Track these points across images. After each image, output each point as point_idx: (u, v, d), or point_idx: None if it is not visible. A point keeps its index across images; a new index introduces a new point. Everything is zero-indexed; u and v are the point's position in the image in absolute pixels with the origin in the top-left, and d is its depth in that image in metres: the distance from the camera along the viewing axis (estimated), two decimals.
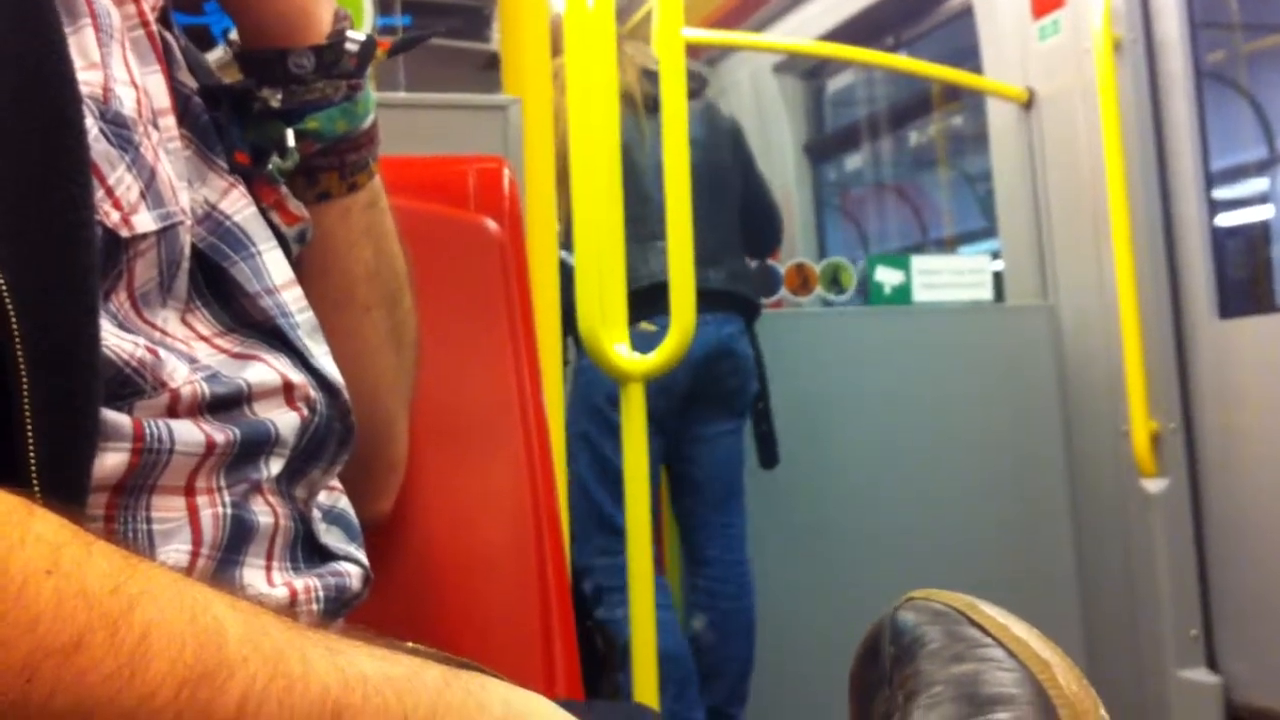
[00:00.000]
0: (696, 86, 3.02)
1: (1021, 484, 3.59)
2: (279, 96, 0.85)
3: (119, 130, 0.68)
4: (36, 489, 0.56)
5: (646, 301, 2.55)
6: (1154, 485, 3.35)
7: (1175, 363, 3.42)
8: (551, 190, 1.66)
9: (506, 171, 1.24)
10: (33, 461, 0.56)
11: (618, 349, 2.18)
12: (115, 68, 0.70)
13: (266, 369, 0.76)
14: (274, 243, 0.81)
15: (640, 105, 2.96)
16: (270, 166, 0.86)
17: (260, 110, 0.85)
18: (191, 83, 0.82)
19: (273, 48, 0.85)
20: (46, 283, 0.58)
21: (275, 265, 0.80)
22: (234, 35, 0.89)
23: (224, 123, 0.85)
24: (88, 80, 0.66)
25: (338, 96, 0.86)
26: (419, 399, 0.99)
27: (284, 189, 0.86)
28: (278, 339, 0.79)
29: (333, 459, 0.82)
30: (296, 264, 0.86)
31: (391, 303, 0.94)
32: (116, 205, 0.66)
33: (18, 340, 0.56)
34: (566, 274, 2.03)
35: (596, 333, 2.14)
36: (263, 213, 0.84)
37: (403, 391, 0.96)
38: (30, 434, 0.56)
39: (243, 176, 0.84)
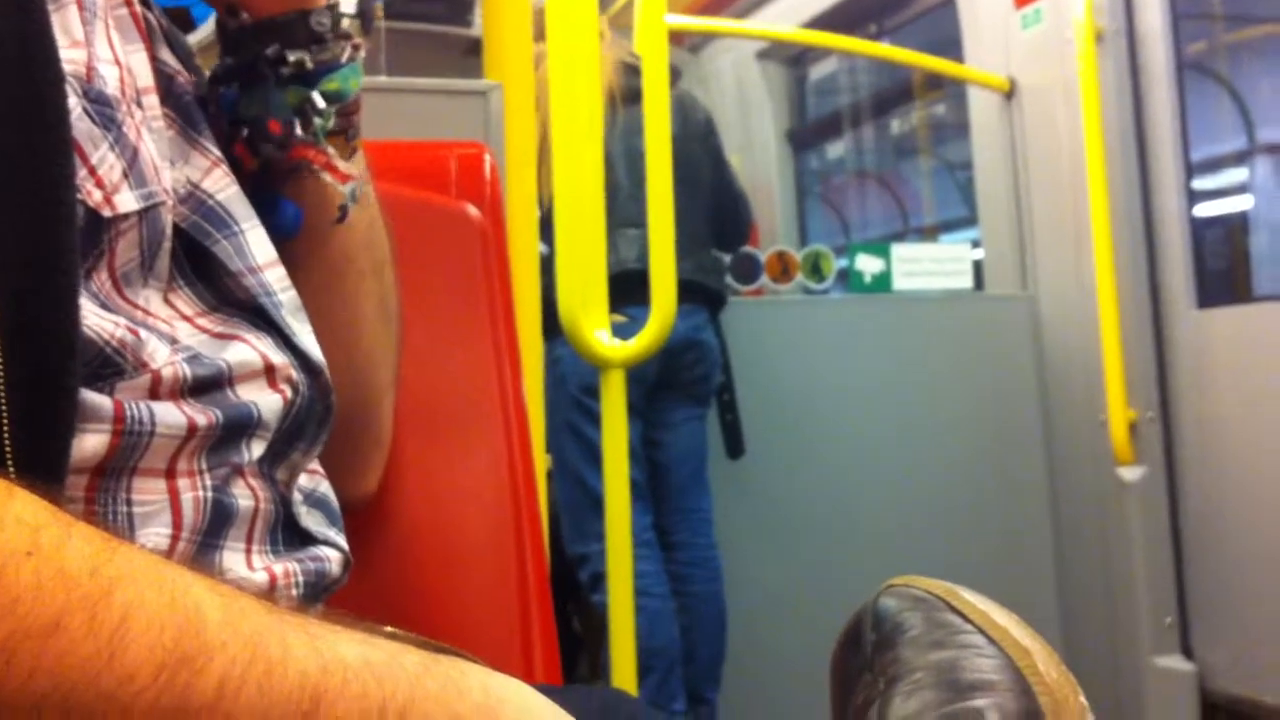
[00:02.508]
0: (671, 77, 3.03)
1: (1000, 472, 3.60)
2: (308, 57, 0.85)
3: (102, 109, 0.67)
4: (11, 469, 0.56)
5: (616, 290, 2.55)
6: (1131, 474, 3.37)
7: (1153, 352, 3.43)
8: (533, 176, 1.66)
9: (488, 157, 1.23)
10: (7, 441, 0.56)
11: (598, 335, 2.18)
12: (99, 46, 0.70)
13: (248, 349, 0.75)
14: (256, 221, 0.81)
15: (616, 97, 2.97)
16: (315, 127, 0.86)
17: (289, 75, 0.85)
18: (174, 62, 0.82)
19: (294, 10, 0.85)
20: (25, 260, 0.57)
21: (258, 244, 0.80)
22: (217, 18, 0.89)
23: (239, 99, 0.85)
24: (71, 59, 0.65)
25: (345, 57, 0.87)
26: (399, 384, 0.99)
27: (331, 149, 0.87)
28: (260, 318, 0.78)
29: (313, 440, 0.82)
30: (301, 232, 0.86)
31: (381, 272, 0.94)
32: (99, 184, 0.66)
33: None
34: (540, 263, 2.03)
35: (577, 319, 2.14)
36: (314, 174, 0.86)
37: (390, 364, 0.97)
38: (4, 412, 0.56)
39: (281, 145, 0.85)
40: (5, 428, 0.56)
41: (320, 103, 0.86)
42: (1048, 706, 0.51)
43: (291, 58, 0.85)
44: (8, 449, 0.56)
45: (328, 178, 0.87)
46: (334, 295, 0.90)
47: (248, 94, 0.86)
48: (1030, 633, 0.54)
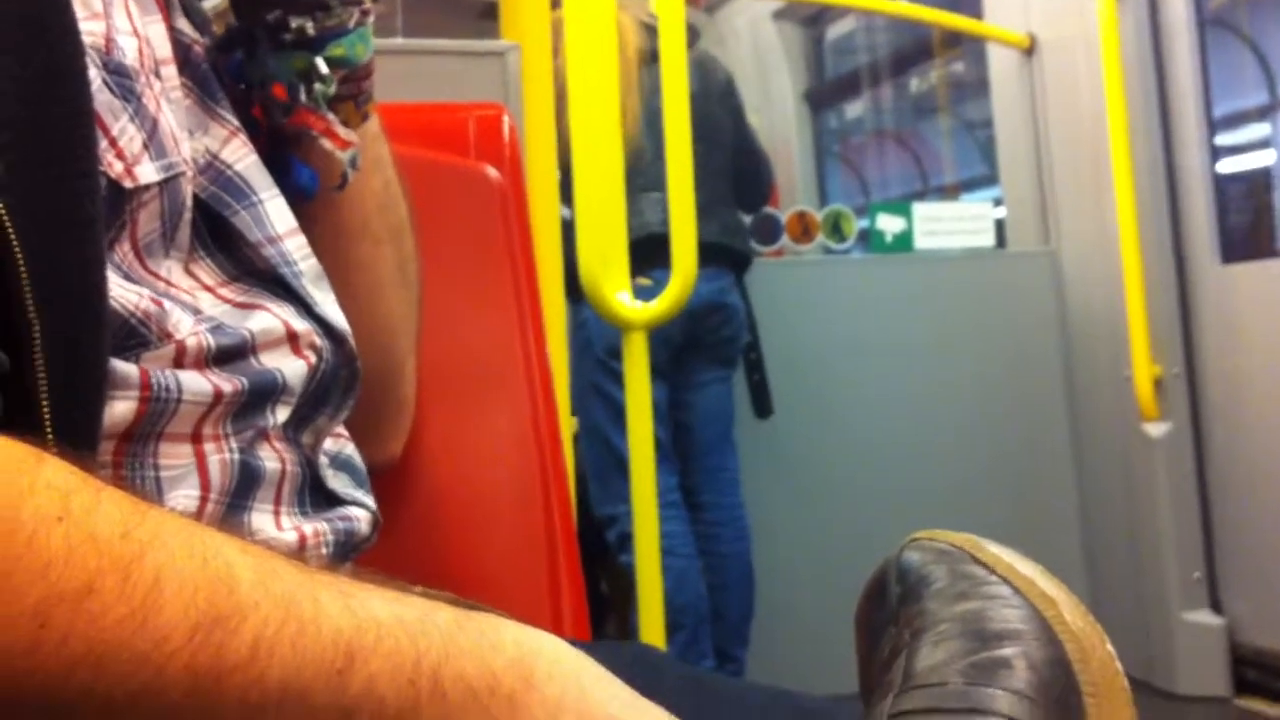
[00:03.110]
0: (689, 38, 3.02)
1: (1024, 430, 3.60)
2: (310, 24, 0.85)
3: (121, 80, 0.67)
4: (50, 436, 0.56)
5: (640, 254, 2.54)
6: (1156, 429, 3.36)
7: (1177, 308, 3.42)
8: (551, 138, 1.65)
9: (506, 118, 1.23)
10: (46, 409, 0.56)
11: (620, 297, 2.18)
12: (117, 17, 0.70)
13: (270, 318, 0.76)
14: (275, 191, 0.81)
15: (634, 59, 2.96)
16: (315, 94, 0.86)
17: (292, 41, 0.85)
18: (191, 32, 0.82)
19: None
20: (52, 232, 0.58)
21: (277, 213, 0.80)
22: None
23: (244, 63, 0.85)
24: (90, 30, 0.65)
25: (352, 23, 0.86)
26: (423, 346, 1.00)
27: (331, 116, 0.87)
28: (281, 287, 0.79)
29: (339, 405, 0.82)
30: (314, 198, 0.87)
31: (399, 237, 0.94)
32: (120, 156, 0.66)
33: (27, 288, 0.56)
34: (562, 227, 2.03)
35: (598, 281, 2.14)
36: (313, 140, 0.85)
37: (411, 329, 0.97)
38: (43, 381, 0.56)
39: (285, 110, 0.84)
40: (42, 396, 0.56)
41: (323, 69, 0.85)
42: (1074, 654, 0.51)
43: (293, 23, 0.84)
44: (45, 417, 0.57)
45: (327, 144, 0.86)
46: (350, 261, 0.90)
47: (251, 58, 0.85)
48: (1055, 582, 0.54)
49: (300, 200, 0.86)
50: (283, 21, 0.84)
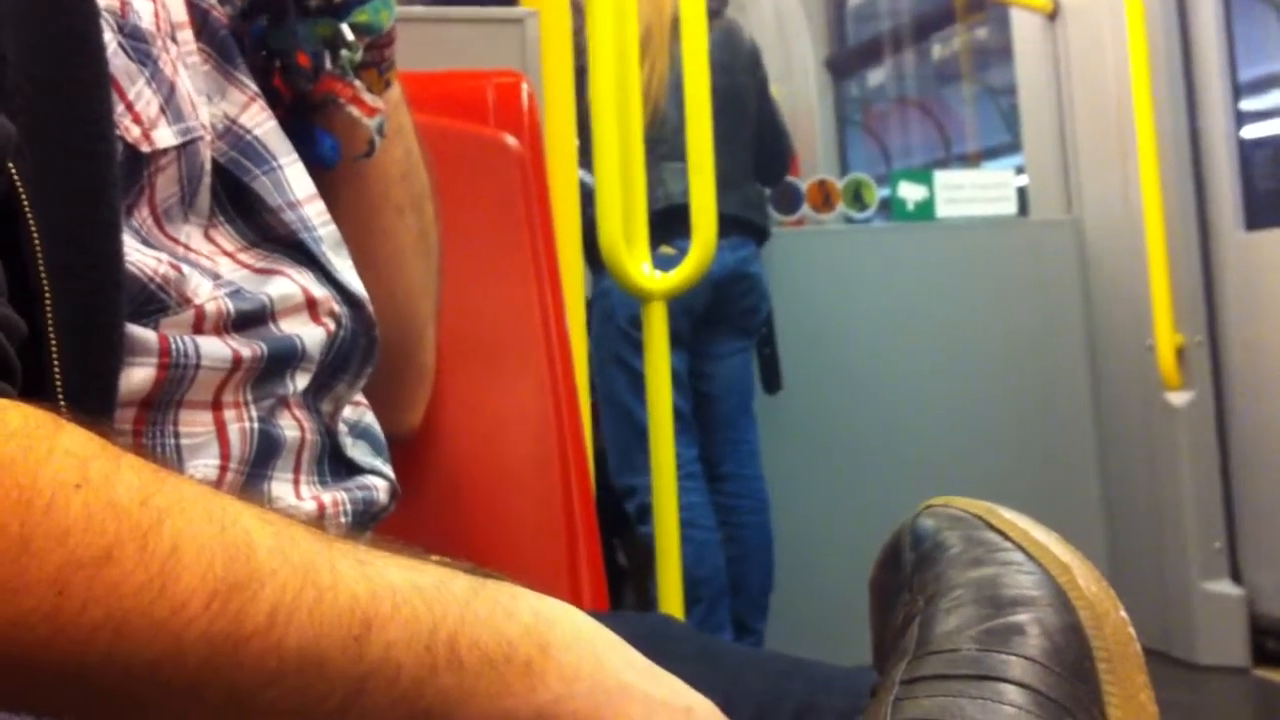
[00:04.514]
0: (716, 6, 3.00)
1: (1046, 398, 3.59)
2: None
3: (137, 44, 0.68)
4: (62, 402, 0.56)
5: (662, 224, 2.53)
6: (1179, 398, 3.35)
7: (1201, 275, 3.40)
8: (571, 106, 1.65)
9: (525, 86, 1.23)
10: (57, 375, 0.57)
11: (641, 268, 2.17)
12: None
13: (290, 284, 0.76)
14: (294, 156, 0.81)
15: (668, 20, 2.93)
16: (342, 61, 0.86)
17: (317, 7, 0.85)
18: None
19: None
20: (67, 196, 0.58)
21: (297, 179, 0.80)
22: None
23: (269, 30, 0.85)
24: None
25: None
26: (442, 315, 1.00)
27: (358, 83, 0.87)
28: (301, 253, 0.79)
29: (358, 372, 0.82)
30: (336, 167, 0.87)
31: (420, 205, 0.95)
32: (136, 120, 0.66)
33: (39, 252, 0.56)
34: (585, 195, 2.03)
35: (619, 252, 2.13)
36: (340, 108, 0.85)
37: (431, 297, 0.97)
38: (54, 347, 0.56)
39: (310, 77, 0.84)
40: (55, 362, 0.57)
41: (349, 35, 0.86)
42: (1088, 620, 0.51)
43: None
44: (58, 383, 0.57)
45: (354, 111, 0.86)
46: (372, 229, 0.91)
47: (277, 26, 0.85)
48: (1070, 549, 0.55)
49: (321, 169, 0.86)
50: None
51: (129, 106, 0.66)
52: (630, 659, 0.53)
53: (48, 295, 0.56)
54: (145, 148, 0.66)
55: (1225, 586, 3.33)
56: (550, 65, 1.55)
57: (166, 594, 0.44)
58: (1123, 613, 0.53)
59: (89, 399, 0.58)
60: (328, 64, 0.86)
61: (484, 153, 1.16)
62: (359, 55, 0.87)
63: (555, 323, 1.13)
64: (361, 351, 0.82)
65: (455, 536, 1.03)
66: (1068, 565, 0.53)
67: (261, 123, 0.80)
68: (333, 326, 0.78)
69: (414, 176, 0.95)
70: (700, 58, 2.23)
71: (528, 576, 0.56)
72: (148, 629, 0.43)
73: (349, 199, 0.89)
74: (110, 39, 0.64)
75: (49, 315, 0.56)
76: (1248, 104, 3.54)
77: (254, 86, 0.82)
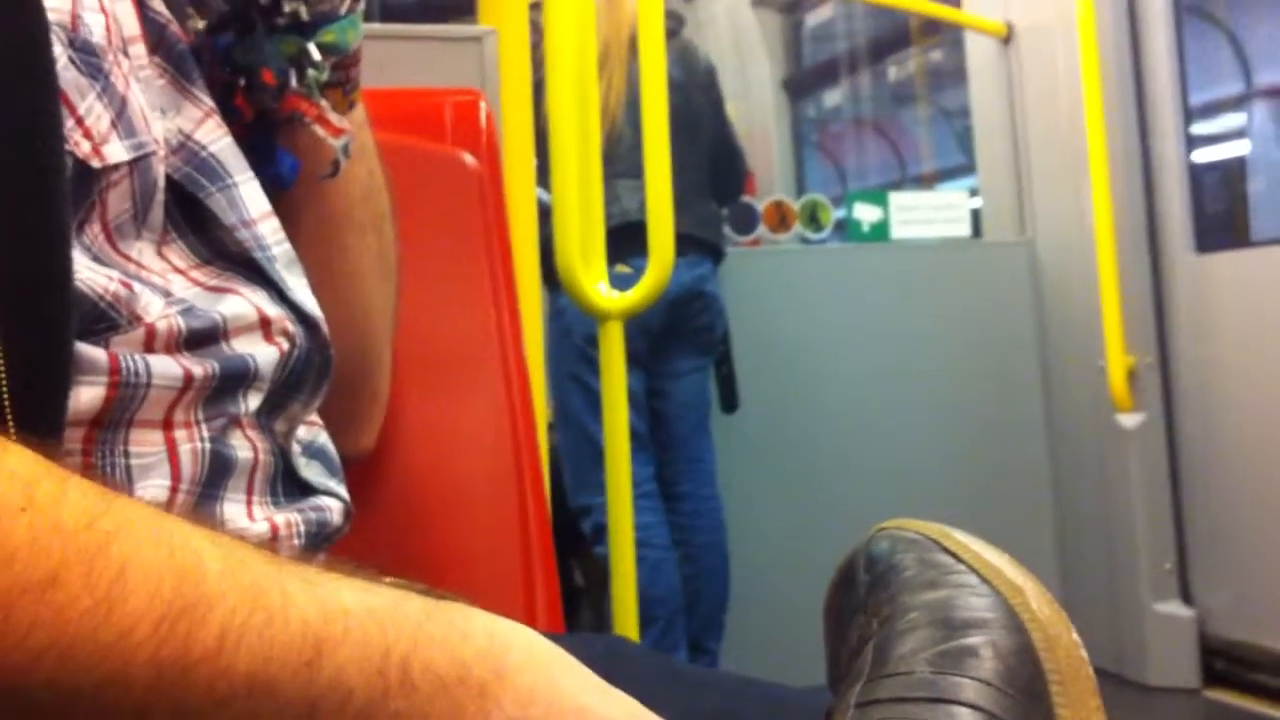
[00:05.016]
0: (674, 26, 3.01)
1: (999, 419, 3.61)
2: (304, 7, 0.85)
3: (88, 58, 0.67)
4: (10, 422, 0.56)
5: (618, 241, 2.54)
6: (1130, 420, 3.37)
7: (1152, 298, 3.43)
8: (529, 124, 1.65)
9: (484, 104, 1.23)
10: (5, 394, 0.56)
11: (598, 287, 2.17)
12: None
13: (243, 302, 0.75)
14: (250, 174, 0.81)
15: (626, 36, 2.94)
16: (308, 80, 0.86)
17: (285, 25, 0.85)
18: (166, 12, 0.81)
19: None
20: (15, 212, 0.57)
21: (251, 196, 0.80)
22: None
23: (235, 46, 0.85)
24: (55, 7, 0.65)
25: (343, 9, 0.86)
26: (398, 333, 0.99)
27: (324, 102, 0.87)
28: (254, 272, 0.78)
29: (312, 392, 0.82)
30: (295, 186, 0.87)
31: (380, 226, 0.94)
32: (87, 135, 0.65)
33: None
34: (542, 213, 2.03)
35: (576, 271, 2.13)
36: (305, 126, 0.85)
37: (388, 320, 0.97)
38: (2, 366, 0.56)
39: (276, 95, 0.84)
40: (3, 381, 0.56)
41: (315, 54, 0.85)
42: (1040, 642, 0.52)
43: (287, 7, 0.84)
44: (6, 402, 0.56)
45: (320, 131, 0.86)
46: (333, 249, 0.90)
47: (243, 42, 0.85)
48: (1022, 571, 0.55)
49: (278, 188, 0.86)
50: (276, 4, 0.84)
51: (79, 121, 0.65)
52: (586, 681, 0.53)
53: None
54: (96, 163, 0.66)
55: (1176, 608, 3.35)
56: (509, 83, 1.55)
57: (113, 618, 0.43)
58: (1075, 635, 0.53)
59: (38, 419, 0.58)
60: (294, 82, 0.86)
61: (442, 171, 1.16)
62: (325, 74, 0.86)
63: (512, 342, 1.13)
64: (316, 371, 0.81)
65: (410, 557, 1.03)
66: (1020, 587, 0.54)
67: (217, 139, 0.80)
68: (286, 346, 0.77)
69: (376, 197, 0.94)
70: (658, 75, 2.23)
71: (483, 597, 0.55)
72: (94, 653, 0.43)
73: (311, 217, 0.89)
74: (60, 53, 0.64)
75: None
76: (1199, 128, 3.59)
77: (210, 102, 0.81)
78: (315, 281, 0.83)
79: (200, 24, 0.86)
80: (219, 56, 0.85)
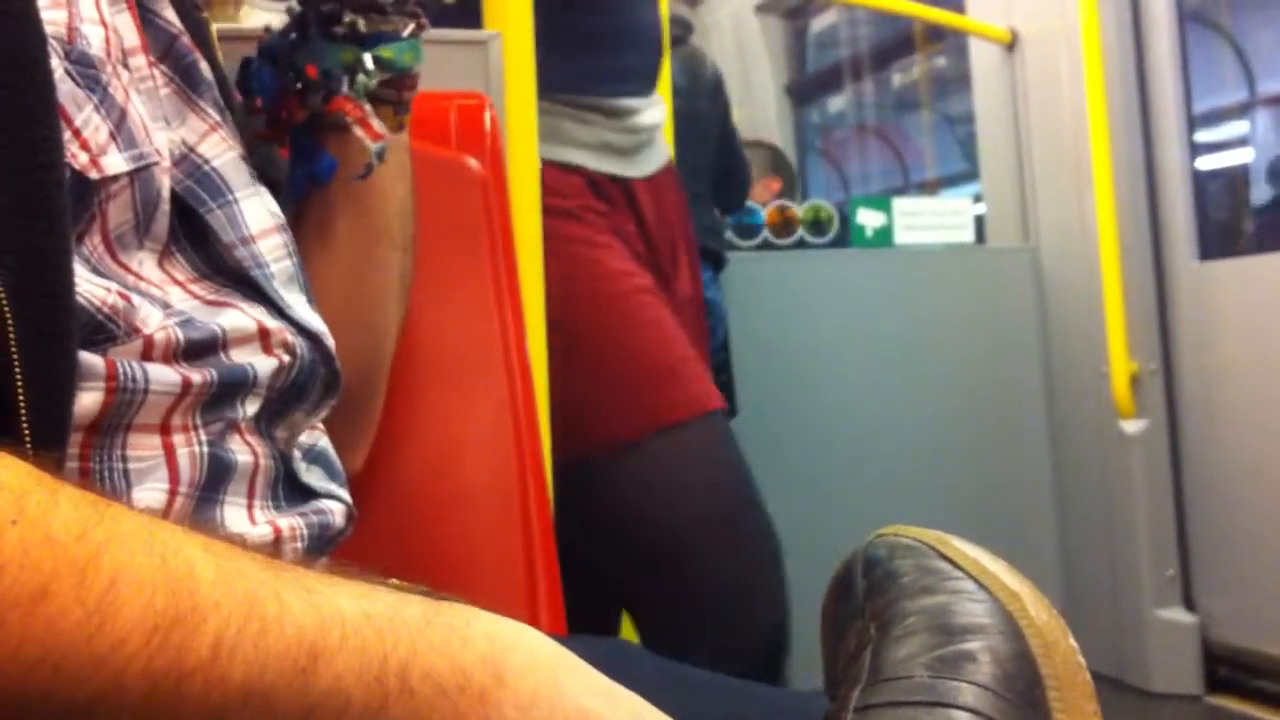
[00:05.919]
0: (681, 33, 3.01)
1: (1002, 426, 3.61)
2: (362, 21, 0.90)
3: (85, 71, 0.67)
4: (26, 429, 0.56)
5: None
6: (1133, 426, 3.37)
7: (1155, 304, 3.43)
8: (534, 129, 1.65)
9: (488, 109, 1.23)
10: (22, 402, 0.56)
11: None
12: (82, 5, 0.69)
13: (242, 315, 0.75)
14: (251, 190, 0.81)
15: None
16: (357, 84, 0.90)
17: (343, 34, 0.90)
18: (178, 23, 0.81)
19: None
20: (14, 225, 0.57)
21: (252, 213, 0.80)
22: None
23: (296, 46, 0.91)
24: (52, 20, 0.65)
25: (405, 31, 0.92)
26: (403, 336, 1.00)
27: (368, 107, 0.91)
28: (252, 289, 0.79)
29: (317, 403, 0.82)
30: (333, 186, 0.91)
31: (409, 247, 0.98)
32: (84, 147, 0.65)
33: None
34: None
35: None
36: (347, 128, 0.90)
37: (393, 345, 0.98)
38: (19, 373, 0.56)
39: (325, 96, 0.89)
40: (19, 388, 0.56)
41: (369, 64, 0.90)
42: (1038, 649, 0.52)
43: (346, 18, 0.89)
44: (22, 409, 0.56)
45: (359, 131, 0.90)
46: (365, 260, 0.94)
47: (304, 43, 0.90)
48: (1020, 577, 0.55)
49: (313, 187, 0.90)
50: (337, 14, 0.90)
51: (76, 133, 0.65)
52: (590, 683, 0.53)
53: (10, 319, 0.56)
54: (94, 174, 0.66)
55: (1178, 614, 3.35)
56: (514, 88, 1.56)
57: (105, 629, 0.43)
58: (1072, 641, 0.53)
59: (49, 426, 0.58)
60: (345, 87, 0.90)
61: (446, 175, 1.16)
62: (374, 82, 0.91)
63: (516, 345, 1.14)
64: (322, 383, 0.81)
65: (413, 560, 1.03)
66: (1018, 594, 0.54)
67: (220, 154, 0.80)
68: (287, 358, 0.77)
69: (409, 220, 0.97)
70: (663, 82, 2.23)
71: (486, 600, 0.55)
72: (87, 665, 0.42)
73: (353, 225, 0.92)
74: (57, 65, 0.64)
75: (13, 339, 0.56)
76: (1202, 135, 3.59)
77: (216, 116, 0.82)
78: (343, 291, 0.85)
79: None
80: (281, 54, 0.91)
